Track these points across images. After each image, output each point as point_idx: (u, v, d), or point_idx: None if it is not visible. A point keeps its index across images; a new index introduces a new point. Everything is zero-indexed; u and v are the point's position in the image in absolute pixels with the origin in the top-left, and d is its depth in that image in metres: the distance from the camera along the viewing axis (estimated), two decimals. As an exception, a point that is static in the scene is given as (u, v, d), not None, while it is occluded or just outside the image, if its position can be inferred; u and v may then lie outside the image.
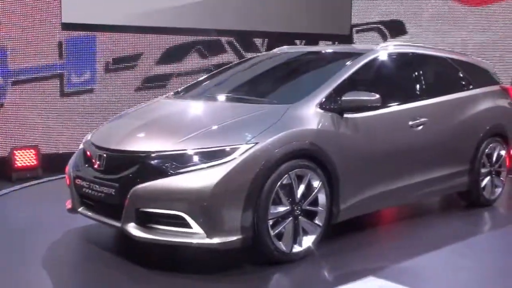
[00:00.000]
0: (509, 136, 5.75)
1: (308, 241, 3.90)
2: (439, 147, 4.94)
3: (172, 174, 3.52)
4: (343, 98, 4.10)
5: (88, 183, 3.89)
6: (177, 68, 7.97)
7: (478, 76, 5.74)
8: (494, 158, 5.56)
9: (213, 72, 5.19)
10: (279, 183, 3.69)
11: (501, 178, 5.69)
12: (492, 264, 4.04)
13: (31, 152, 7.00)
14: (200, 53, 8.14)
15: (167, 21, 7.86)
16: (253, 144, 3.61)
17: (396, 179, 4.59)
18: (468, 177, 5.31)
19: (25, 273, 3.65)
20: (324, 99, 4.10)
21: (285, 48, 5.45)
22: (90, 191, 3.88)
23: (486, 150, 5.45)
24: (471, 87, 5.54)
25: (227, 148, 3.57)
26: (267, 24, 8.45)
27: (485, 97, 5.61)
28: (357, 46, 5.08)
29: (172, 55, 7.88)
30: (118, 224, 3.66)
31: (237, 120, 3.86)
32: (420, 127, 4.75)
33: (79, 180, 4.00)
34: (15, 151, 6.89)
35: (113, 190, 3.68)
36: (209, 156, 3.55)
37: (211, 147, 3.57)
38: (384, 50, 4.82)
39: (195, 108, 4.38)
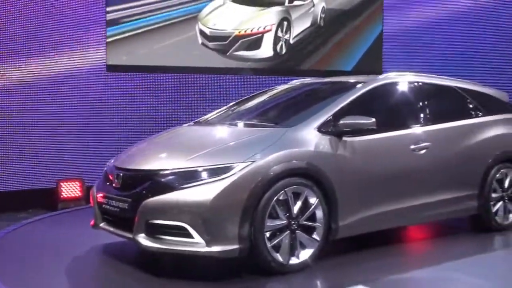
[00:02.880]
0: (522, 162, 5.85)
1: (305, 254, 4.19)
2: (443, 171, 5.14)
3: (177, 189, 3.93)
4: (341, 121, 4.44)
5: (107, 200, 4.35)
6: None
7: (489, 104, 5.91)
8: (506, 184, 5.67)
9: (234, 103, 5.62)
10: (275, 198, 4.03)
11: (515, 204, 5.78)
12: (487, 277, 4.16)
13: (76, 184, 7.58)
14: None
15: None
16: (250, 162, 3.99)
17: (398, 200, 4.82)
18: (477, 201, 5.44)
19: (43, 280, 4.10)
20: (322, 123, 4.45)
21: (301, 80, 5.85)
22: (109, 207, 4.34)
23: (497, 175, 5.57)
24: (480, 114, 5.72)
25: (226, 166, 3.96)
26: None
27: (495, 124, 5.77)
28: (363, 76, 5.38)
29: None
30: (130, 236, 4.08)
31: (239, 141, 4.27)
32: (423, 151, 4.98)
33: (100, 198, 4.47)
34: (61, 183, 7.45)
35: (127, 204, 4.12)
36: (210, 173, 3.95)
37: (212, 165, 3.98)
38: (386, 80, 5.14)
39: (207, 132, 4.82)
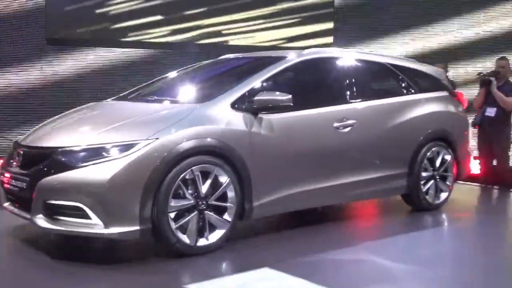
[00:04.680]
0: (455, 141, 5.76)
1: (215, 235, 4.03)
2: (370, 149, 5.02)
3: (75, 168, 3.72)
4: (255, 98, 4.25)
5: (8, 179, 4.12)
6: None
7: (422, 81, 5.80)
8: (437, 163, 5.59)
9: (157, 79, 5.40)
10: (180, 177, 3.84)
11: (447, 183, 5.70)
12: (401, 260, 4.06)
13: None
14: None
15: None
16: (154, 140, 3.79)
17: (320, 179, 4.68)
18: (407, 180, 5.35)
19: None
20: (236, 99, 4.26)
21: (228, 55, 5.63)
22: (10, 186, 4.11)
23: (428, 154, 5.48)
24: (412, 91, 5.60)
25: (126, 144, 3.75)
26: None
27: (428, 102, 5.66)
28: (290, 51, 5.18)
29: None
30: (28, 216, 3.87)
31: (145, 117, 4.06)
32: (348, 129, 4.84)
33: (3, 176, 4.24)
34: None
35: (25, 184, 3.90)
36: (110, 151, 3.74)
37: (112, 142, 3.77)
38: (310, 55, 4.95)
39: (118, 108, 4.59)
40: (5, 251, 4.27)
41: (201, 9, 8.61)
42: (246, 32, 8.82)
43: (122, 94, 5.11)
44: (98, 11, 8.20)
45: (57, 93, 7.83)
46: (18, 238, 4.46)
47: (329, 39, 9.01)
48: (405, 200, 5.61)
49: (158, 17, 8.46)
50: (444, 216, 5.54)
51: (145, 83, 5.31)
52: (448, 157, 5.67)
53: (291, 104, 4.31)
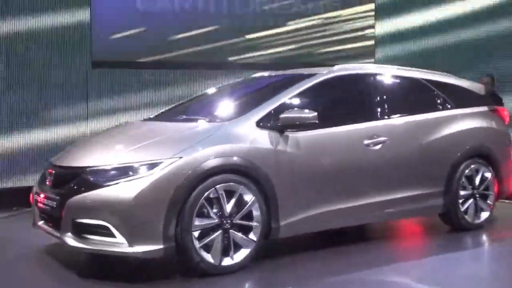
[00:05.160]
0: (496, 158, 5.55)
1: (241, 255, 4.01)
2: (402, 167, 4.89)
3: (102, 187, 3.79)
4: (281, 116, 4.24)
5: (41, 198, 4.25)
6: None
7: (460, 97, 5.63)
8: (477, 181, 5.39)
9: (192, 97, 5.47)
10: (204, 195, 3.86)
11: (488, 202, 5.48)
12: (428, 282, 3.91)
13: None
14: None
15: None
16: (177, 159, 3.83)
17: (349, 198, 4.60)
18: (443, 199, 5.18)
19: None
20: (262, 118, 4.26)
21: (261, 73, 5.64)
22: (43, 205, 4.23)
23: (466, 171, 5.30)
24: (449, 107, 5.45)
25: (151, 163, 3.80)
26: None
27: (466, 117, 5.49)
28: (321, 68, 5.14)
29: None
30: (58, 234, 3.96)
31: (170, 136, 4.12)
32: (378, 146, 4.75)
33: (37, 196, 4.37)
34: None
35: (55, 202, 4.00)
36: (135, 170, 3.80)
37: (137, 162, 3.82)
38: (339, 72, 4.90)
39: (146, 128, 4.65)
40: (38, 269, 4.37)
41: (245, 30, 8.73)
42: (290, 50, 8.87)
43: (154, 115, 5.20)
44: (141, 35, 8.40)
45: (101, 115, 8.00)
46: (51, 256, 4.56)
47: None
48: (443, 220, 5.42)
49: (201, 38, 8.60)
50: (484, 236, 5.31)
51: (178, 103, 5.38)
52: (488, 175, 5.46)
53: (317, 122, 4.27)
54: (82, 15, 7.84)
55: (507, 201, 6.89)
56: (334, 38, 9.09)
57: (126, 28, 8.28)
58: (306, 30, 8.96)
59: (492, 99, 7.24)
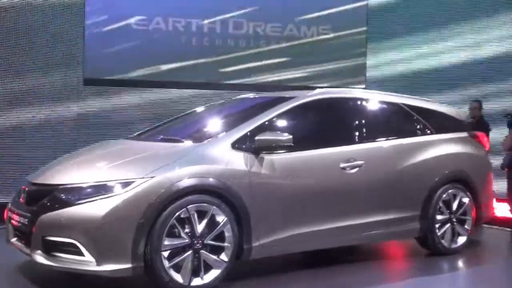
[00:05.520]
0: (474, 183, 5.58)
1: (211, 275, 4.02)
2: (379, 191, 4.92)
3: (71, 205, 3.82)
4: (256, 138, 4.28)
5: (14, 215, 4.26)
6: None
7: (440, 122, 5.68)
8: (454, 205, 5.41)
9: (172, 118, 5.51)
10: (175, 216, 3.88)
11: (466, 227, 5.50)
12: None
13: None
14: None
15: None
16: (149, 178, 3.86)
17: (324, 221, 4.62)
18: (420, 223, 5.20)
19: None
20: (237, 139, 4.30)
21: (244, 95, 5.70)
22: (16, 222, 4.24)
23: (444, 196, 5.32)
24: (428, 132, 5.49)
25: (122, 182, 3.83)
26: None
27: (444, 142, 5.54)
28: (301, 91, 5.21)
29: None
30: (28, 251, 3.97)
31: (144, 156, 4.14)
32: (355, 170, 4.78)
33: (11, 212, 4.38)
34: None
35: (27, 219, 4.02)
36: (106, 189, 3.83)
37: (108, 181, 3.85)
38: (317, 96, 4.95)
39: (123, 147, 4.67)
40: (6, 285, 4.35)
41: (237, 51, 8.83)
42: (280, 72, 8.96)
43: (135, 134, 5.24)
44: (134, 53, 8.50)
45: (91, 132, 8.04)
46: (21, 273, 4.55)
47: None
48: (420, 244, 5.44)
49: (194, 59, 8.72)
50: (461, 261, 5.32)
51: (159, 123, 5.42)
52: (466, 200, 5.49)
53: (292, 144, 4.31)
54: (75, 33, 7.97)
55: (493, 226, 6.99)
56: (325, 62, 9.19)
57: (119, 46, 8.41)
58: (297, 53, 9.06)
59: (480, 124, 7.35)
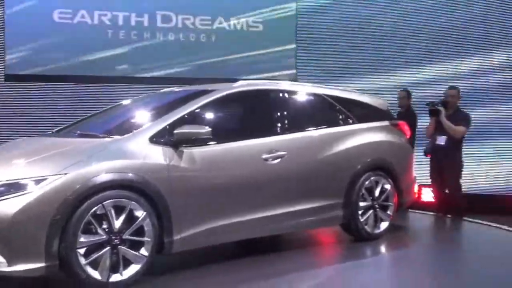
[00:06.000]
0: (396, 170, 5.75)
1: (130, 271, 3.97)
2: (301, 180, 4.99)
3: None
4: (175, 131, 4.25)
5: None
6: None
7: (362, 111, 5.81)
8: (376, 192, 5.56)
9: (94, 113, 5.40)
10: (90, 212, 3.80)
11: (388, 213, 5.66)
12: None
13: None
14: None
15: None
16: (63, 175, 3.76)
17: (248, 211, 4.64)
18: (343, 211, 5.31)
19: None
20: (155, 133, 4.25)
21: (171, 88, 5.64)
22: None
23: (366, 183, 5.46)
24: (350, 122, 5.61)
25: (36, 179, 3.72)
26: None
27: (367, 131, 5.67)
28: (221, 84, 5.21)
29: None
30: None
31: (59, 152, 4.03)
32: (277, 160, 4.82)
33: None
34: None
35: None
36: (17, 187, 3.70)
37: (21, 178, 3.73)
38: (239, 88, 4.97)
39: (39, 144, 4.52)
40: None
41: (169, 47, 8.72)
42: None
43: (54, 130, 5.10)
44: (58, 47, 8.29)
45: (14, 129, 7.80)
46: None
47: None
48: (345, 230, 5.56)
49: (122, 53, 8.57)
50: (383, 246, 5.48)
51: (81, 118, 5.31)
52: (388, 186, 5.65)
53: (210, 137, 4.31)
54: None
55: (418, 211, 7.24)
56: (255, 54, 9.21)
57: (42, 40, 8.17)
58: (227, 45, 9.05)
59: (408, 113, 7.57)
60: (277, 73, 9.12)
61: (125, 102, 5.48)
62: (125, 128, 4.53)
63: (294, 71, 9.23)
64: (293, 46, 9.24)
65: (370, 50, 9.17)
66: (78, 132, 4.67)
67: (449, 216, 7.11)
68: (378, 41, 9.19)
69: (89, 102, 8.14)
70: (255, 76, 8.73)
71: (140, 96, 5.59)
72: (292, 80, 8.23)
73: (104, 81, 8.30)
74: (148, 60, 8.70)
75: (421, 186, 8.27)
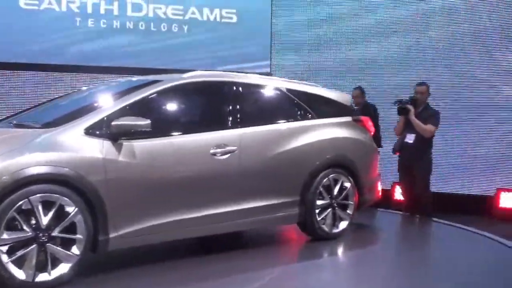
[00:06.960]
0: (357, 167, 5.55)
1: (60, 270, 3.77)
2: (253, 177, 4.78)
3: None
4: (112, 123, 4.04)
5: None
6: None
7: (323, 106, 5.60)
8: (335, 190, 5.36)
9: (41, 103, 5.19)
10: (15, 207, 3.59)
11: (348, 212, 5.47)
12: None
13: None
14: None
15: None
16: None
17: (192, 209, 4.43)
18: (299, 209, 5.12)
19: None
20: (91, 125, 4.04)
21: (120, 79, 5.44)
22: None
23: (324, 181, 5.26)
24: (309, 116, 5.40)
25: None
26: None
27: (326, 127, 5.45)
28: (172, 75, 4.99)
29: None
30: None
31: None
32: (226, 156, 4.62)
33: None
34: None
35: None
36: None
37: None
38: (188, 79, 4.75)
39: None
40: None
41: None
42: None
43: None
44: (21, 35, 8.07)
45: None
46: None
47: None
48: (302, 229, 5.36)
49: (90, 42, 8.35)
50: (342, 245, 5.29)
51: (25, 108, 5.09)
52: (347, 185, 5.45)
53: (150, 129, 4.10)
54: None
55: (386, 210, 7.08)
56: (229, 45, 9.02)
57: (5, 26, 7.94)
58: (199, 36, 8.85)
59: (365, 111, 7.36)
60: (251, 65, 8.94)
61: (72, 92, 5.27)
62: (63, 119, 4.28)
63: (268, 62, 9.04)
64: (268, 37, 9.04)
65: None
66: (14, 122, 4.44)
67: (417, 216, 6.92)
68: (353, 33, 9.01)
69: (49, 91, 7.90)
70: (228, 68, 8.54)
71: (87, 86, 5.35)
72: (265, 73, 8.06)
73: (69, 70, 8.08)
74: (117, 50, 8.48)
75: (395, 183, 8.13)
